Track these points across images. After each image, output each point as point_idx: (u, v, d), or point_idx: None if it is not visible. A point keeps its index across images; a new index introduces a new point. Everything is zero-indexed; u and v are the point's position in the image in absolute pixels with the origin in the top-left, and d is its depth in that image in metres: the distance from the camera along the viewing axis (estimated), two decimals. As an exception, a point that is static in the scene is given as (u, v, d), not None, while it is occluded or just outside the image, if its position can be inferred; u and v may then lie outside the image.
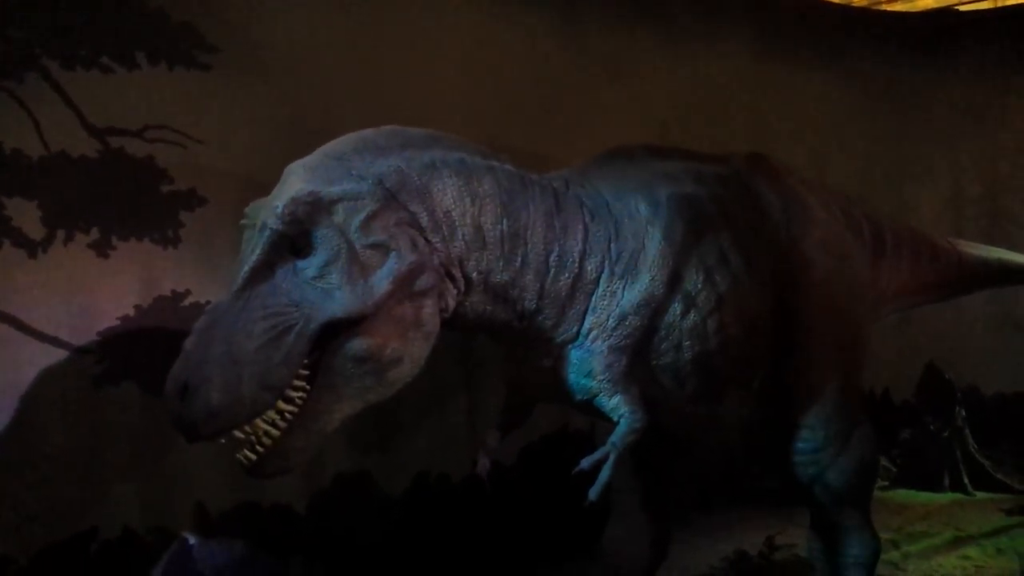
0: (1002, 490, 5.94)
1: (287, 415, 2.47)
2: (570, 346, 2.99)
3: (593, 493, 2.93)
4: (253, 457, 2.46)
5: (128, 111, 3.66)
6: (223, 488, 3.91)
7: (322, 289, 2.45)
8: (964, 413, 6.13)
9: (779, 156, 3.85)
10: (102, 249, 3.61)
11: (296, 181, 2.55)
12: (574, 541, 4.57)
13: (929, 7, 6.79)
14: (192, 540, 3.77)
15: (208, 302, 3.81)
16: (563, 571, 4.50)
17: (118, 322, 3.62)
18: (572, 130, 4.79)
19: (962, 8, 6.68)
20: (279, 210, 2.45)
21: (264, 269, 2.47)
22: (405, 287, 2.55)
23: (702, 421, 3.38)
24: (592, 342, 2.97)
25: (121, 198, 3.65)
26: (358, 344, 2.48)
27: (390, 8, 4.43)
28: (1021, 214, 6.70)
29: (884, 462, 5.94)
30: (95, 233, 3.60)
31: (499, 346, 3.22)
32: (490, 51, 4.79)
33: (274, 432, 2.45)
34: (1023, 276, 4.92)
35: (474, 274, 2.77)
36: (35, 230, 3.48)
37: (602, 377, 2.95)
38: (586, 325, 2.97)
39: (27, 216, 3.47)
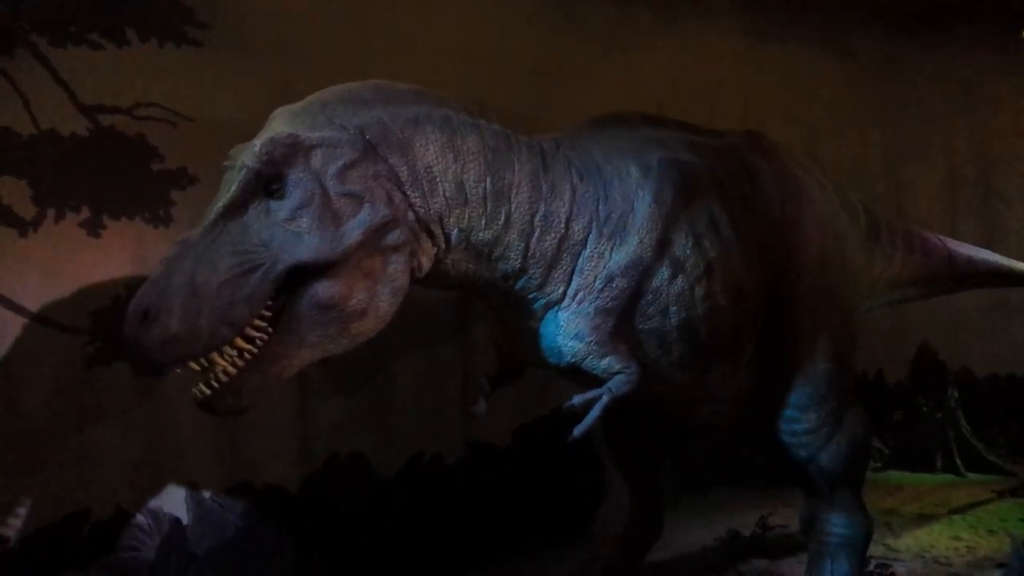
0: (994, 472, 5.97)
1: (247, 355, 2.46)
2: (556, 307, 2.98)
3: (577, 431, 2.94)
4: (207, 391, 2.45)
5: (118, 88, 3.63)
6: (216, 469, 3.90)
7: (292, 232, 2.47)
8: (957, 395, 6.14)
9: (774, 135, 3.83)
10: (93, 228, 3.58)
11: (279, 124, 2.58)
12: (567, 521, 4.58)
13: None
14: (185, 520, 3.78)
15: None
16: (557, 551, 4.50)
17: (109, 302, 3.59)
18: (566, 107, 4.75)
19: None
20: (256, 149, 2.48)
21: (238, 207, 2.47)
22: (376, 240, 2.55)
23: (690, 393, 3.37)
24: (579, 304, 2.96)
25: (112, 177, 3.62)
26: (323, 290, 2.49)
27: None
28: (1014, 195, 6.71)
29: (877, 443, 5.96)
30: (86, 212, 3.57)
31: (486, 308, 3.23)
32: (484, 28, 4.76)
33: (231, 370, 2.45)
34: (1009, 278, 4.95)
35: (454, 231, 2.76)
36: (25, 209, 3.45)
37: (590, 339, 2.94)
38: (572, 286, 2.96)
39: (17, 195, 3.43)
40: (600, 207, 2.99)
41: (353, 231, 2.51)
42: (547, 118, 4.13)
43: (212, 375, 2.44)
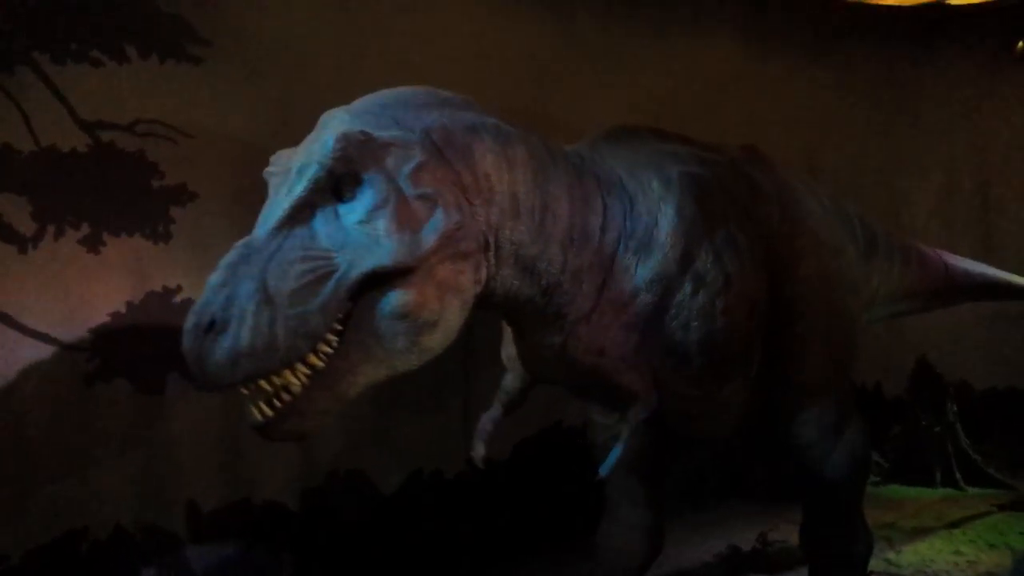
0: (994, 485, 5.95)
1: (313, 371, 2.26)
2: (582, 323, 2.89)
3: (604, 469, 2.90)
4: (269, 413, 2.24)
5: (118, 105, 3.63)
6: (215, 486, 3.89)
7: (367, 235, 2.28)
8: (956, 408, 6.14)
9: (771, 149, 3.83)
10: (93, 245, 3.58)
11: (339, 125, 2.42)
12: (568, 537, 4.57)
13: (921, 1, 6.78)
14: (184, 538, 3.77)
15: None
16: (557, 567, 4.49)
17: (109, 319, 3.59)
18: (564, 121, 4.77)
19: (953, 2, 6.67)
20: (330, 145, 2.30)
21: (304, 209, 2.30)
22: (448, 247, 2.40)
23: (699, 406, 3.36)
24: (604, 318, 2.89)
25: (112, 193, 3.63)
26: (397, 299, 2.30)
27: (388, 3, 4.40)
28: (1012, 207, 6.71)
29: (876, 457, 5.94)
30: (85, 228, 3.57)
31: (508, 324, 3.12)
32: (483, 43, 4.77)
33: (295, 388, 2.24)
34: (1005, 292, 4.96)
35: (507, 245, 2.63)
36: (25, 226, 3.45)
37: (614, 354, 2.89)
38: (600, 301, 2.89)
39: (17, 211, 3.43)
40: (627, 221, 2.95)
41: (429, 236, 2.35)
42: (545, 133, 4.15)
43: (276, 394, 2.23)
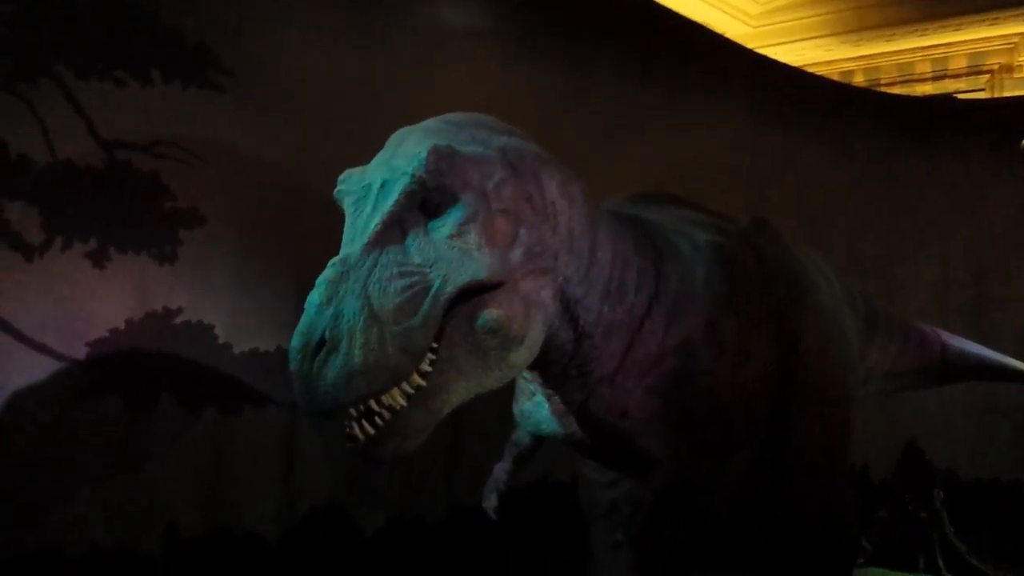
0: (976, 576, 5.91)
1: (411, 389, 2.23)
2: (605, 382, 2.86)
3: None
4: (371, 431, 2.19)
5: (138, 125, 3.66)
6: (196, 511, 3.83)
7: (460, 249, 2.28)
8: (942, 495, 6.11)
9: (775, 223, 3.87)
10: (98, 260, 3.58)
11: (418, 140, 2.43)
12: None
13: (927, 92, 6.93)
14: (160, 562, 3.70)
15: (200, 322, 3.78)
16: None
17: (107, 334, 3.58)
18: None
19: (959, 96, 6.82)
20: (422, 158, 2.28)
21: (395, 225, 2.28)
22: (531, 262, 2.43)
23: (706, 478, 3.32)
24: (627, 380, 2.86)
25: (122, 211, 3.64)
26: (490, 313, 2.29)
27: (405, 52, 4.48)
28: (1007, 299, 6.76)
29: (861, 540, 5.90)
30: (93, 243, 3.56)
31: (529, 375, 3.03)
32: (496, 102, 4.79)
33: (397, 406, 2.21)
34: (1000, 374, 4.98)
35: (559, 277, 2.62)
36: (34, 235, 3.45)
37: (636, 418, 2.85)
38: (626, 361, 2.85)
39: (27, 221, 3.44)
40: (658, 284, 2.94)
41: (516, 250, 2.39)
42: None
43: (376, 414, 2.19)
